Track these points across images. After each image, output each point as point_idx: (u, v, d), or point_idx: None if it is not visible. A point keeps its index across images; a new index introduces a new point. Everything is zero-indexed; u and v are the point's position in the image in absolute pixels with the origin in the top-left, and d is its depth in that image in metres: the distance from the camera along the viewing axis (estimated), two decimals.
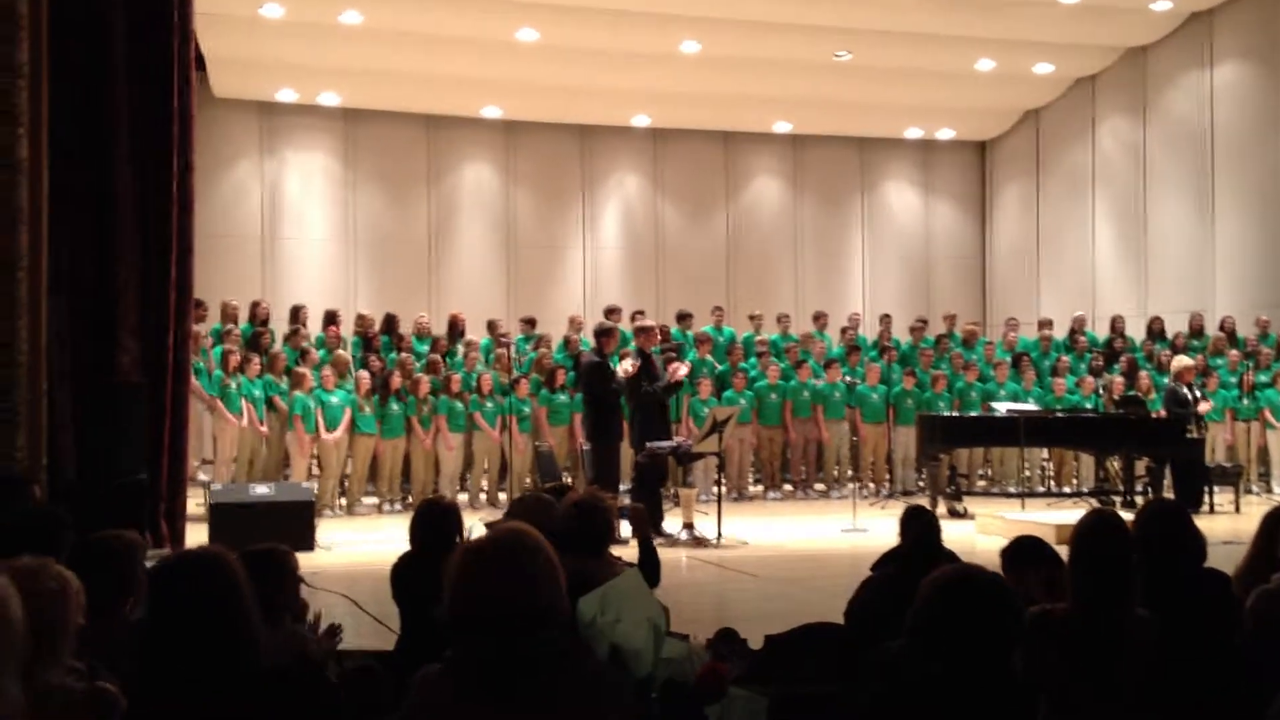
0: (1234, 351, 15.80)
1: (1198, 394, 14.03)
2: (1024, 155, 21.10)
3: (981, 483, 15.80)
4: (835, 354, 16.25)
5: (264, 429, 13.51)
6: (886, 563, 5.36)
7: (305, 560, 5.01)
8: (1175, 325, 16.86)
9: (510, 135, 19.70)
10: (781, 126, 20.49)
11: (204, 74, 16.32)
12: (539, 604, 2.45)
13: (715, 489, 12.30)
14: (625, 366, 11.60)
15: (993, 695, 2.72)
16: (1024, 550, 4.62)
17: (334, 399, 13.53)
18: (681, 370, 12.10)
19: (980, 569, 2.96)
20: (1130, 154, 19.24)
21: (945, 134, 21.33)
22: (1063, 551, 4.03)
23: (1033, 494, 14.57)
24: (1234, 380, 15.34)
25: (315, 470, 13.74)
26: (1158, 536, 4.11)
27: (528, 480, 14.68)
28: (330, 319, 15.28)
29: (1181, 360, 14.55)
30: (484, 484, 14.78)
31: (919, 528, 5.40)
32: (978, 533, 11.79)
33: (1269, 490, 15.02)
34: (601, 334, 12.09)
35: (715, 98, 18.96)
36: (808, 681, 4.26)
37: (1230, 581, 4.32)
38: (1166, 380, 14.57)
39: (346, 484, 14.12)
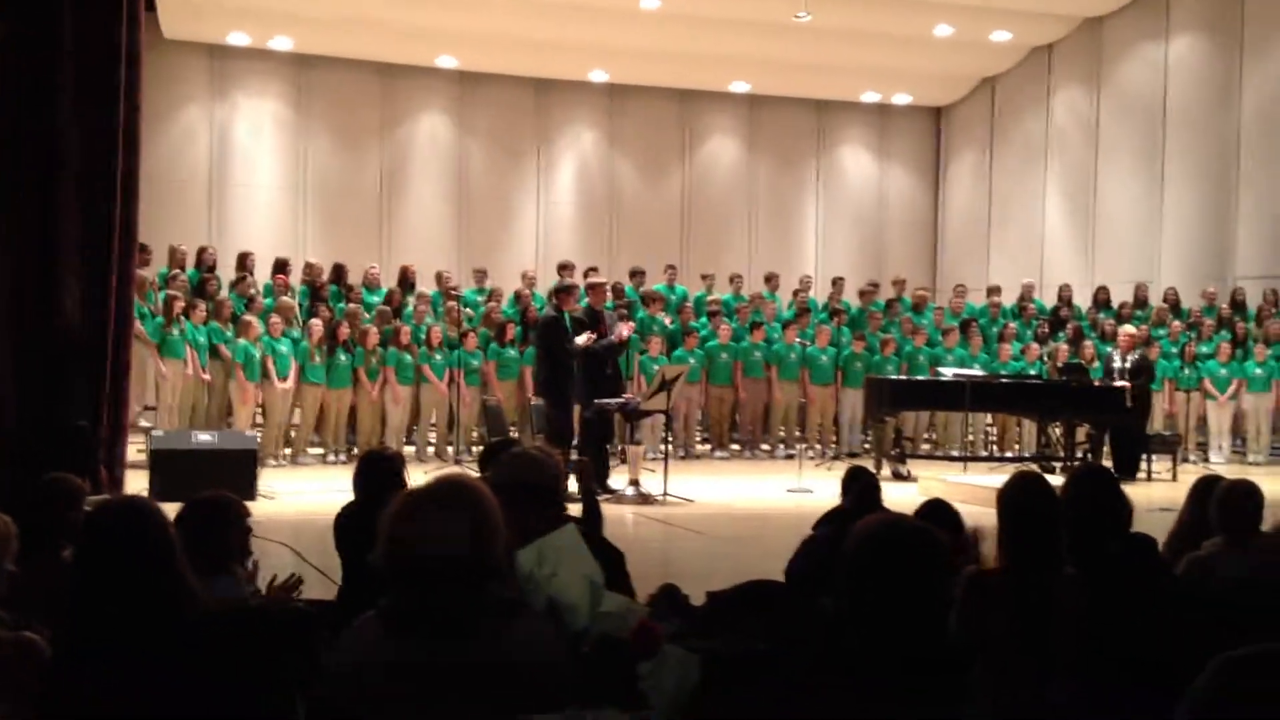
0: (1176, 322, 16.01)
1: (1125, 366, 14.09)
2: (979, 123, 21.18)
3: (926, 446, 15.96)
4: (786, 316, 16.30)
5: (207, 376, 13.38)
6: (828, 522, 5.41)
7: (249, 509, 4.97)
8: (1121, 295, 17.05)
9: (465, 87, 19.51)
10: (739, 86, 20.43)
11: (153, 14, 16.00)
12: (474, 553, 2.43)
13: (662, 447, 12.34)
14: (584, 339, 11.56)
15: (927, 652, 2.74)
16: (934, 514, 4.71)
17: (282, 347, 13.41)
18: (624, 331, 12.09)
19: (905, 516, 2.98)
20: (1083, 124, 19.37)
21: (902, 99, 21.35)
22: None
23: (975, 458, 14.74)
24: (1175, 350, 15.55)
25: (259, 419, 13.63)
26: (1085, 500, 4.17)
27: (475, 434, 14.66)
28: (279, 267, 15.13)
29: (1124, 329, 14.70)
30: (431, 437, 14.74)
31: (860, 488, 5.45)
32: (920, 495, 11.89)
33: (1206, 459, 15.28)
34: (560, 290, 12.04)
35: (673, 55, 18.86)
36: (746, 638, 4.29)
37: (1156, 545, 4.41)
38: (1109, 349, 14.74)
39: (292, 434, 14.03)
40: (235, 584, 4.09)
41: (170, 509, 3.35)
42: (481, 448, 14.36)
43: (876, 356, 15.58)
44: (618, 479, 11.53)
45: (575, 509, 5.44)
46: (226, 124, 18.61)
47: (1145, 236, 18.24)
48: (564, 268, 16.41)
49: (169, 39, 17.41)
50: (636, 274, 16.70)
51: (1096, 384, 14.21)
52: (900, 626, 2.69)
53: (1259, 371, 15.15)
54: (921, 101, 21.63)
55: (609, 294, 13.06)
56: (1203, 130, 17.51)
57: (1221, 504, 4.64)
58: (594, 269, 16.57)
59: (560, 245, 19.16)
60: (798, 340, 15.49)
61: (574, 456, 10.53)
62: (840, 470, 5.88)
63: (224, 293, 14.29)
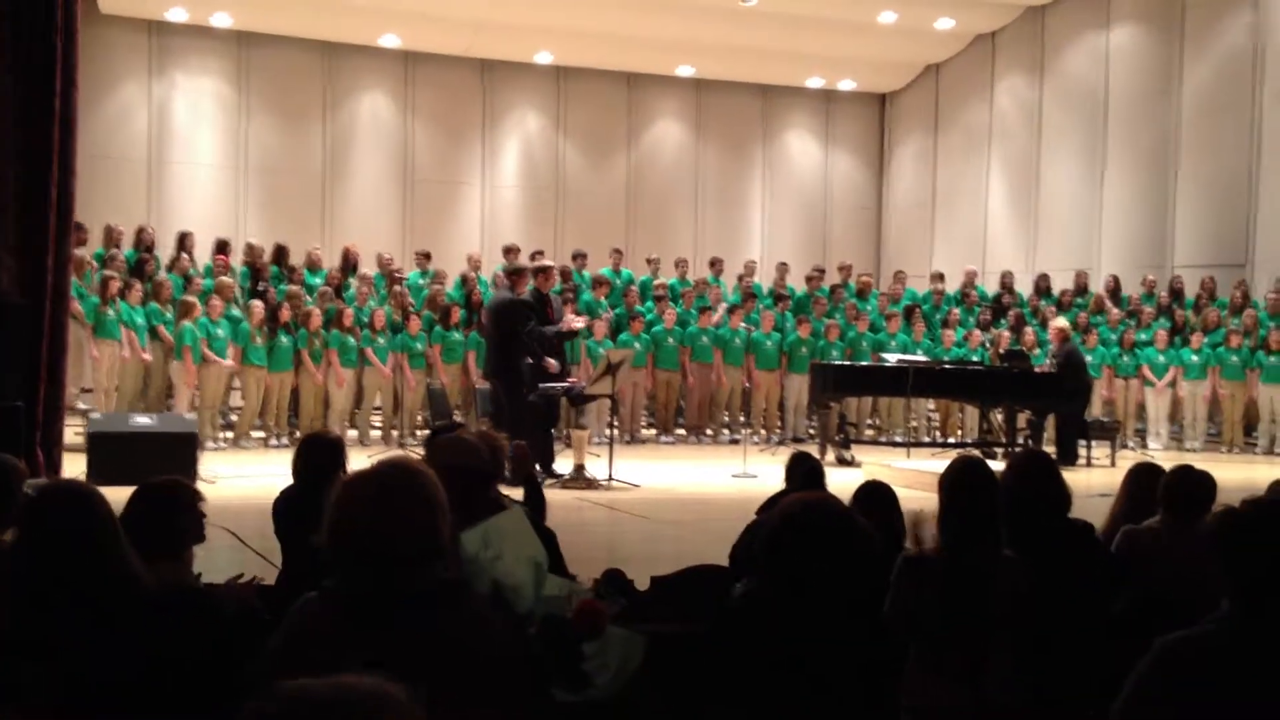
0: (1115, 310, 16.22)
1: (1055, 359, 14.16)
2: (923, 110, 21.31)
3: (869, 432, 16.07)
4: (731, 300, 16.33)
5: (147, 357, 13.19)
6: (771, 506, 5.41)
7: None
8: (1063, 282, 17.25)
9: (410, 66, 19.34)
10: (685, 70, 20.41)
11: None
12: (418, 537, 2.42)
13: (608, 431, 12.33)
14: (572, 324, 11.48)
15: (851, 636, 2.75)
16: (871, 495, 4.72)
17: (219, 330, 13.24)
18: (576, 323, 12.04)
19: (825, 496, 2.99)
20: (1026, 112, 19.55)
21: (846, 85, 21.43)
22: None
23: (918, 444, 14.85)
24: (1114, 337, 15.75)
25: (198, 402, 13.47)
26: (1025, 484, 4.21)
27: (419, 418, 14.58)
28: (220, 248, 14.94)
29: (1054, 323, 14.77)
30: (375, 420, 14.64)
31: (804, 473, 5.47)
32: (865, 480, 11.97)
33: (1144, 445, 15.50)
34: (513, 273, 11.89)
35: (619, 38, 18.81)
36: (689, 622, 4.30)
37: (1094, 530, 4.46)
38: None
39: (234, 417, 13.87)
40: (184, 570, 4.04)
41: (111, 493, 3.31)
42: (426, 431, 14.31)
43: (821, 342, 15.66)
44: (563, 464, 11.50)
45: (517, 494, 5.42)
46: (165, 101, 18.31)
47: (1086, 224, 18.45)
48: (509, 251, 16.32)
49: (106, 14, 17.11)
50: (579, 256, 16.65)
51: (1037, 370, 14.37)
52: (815, 603, 2.69)
53: (1196, 359, 15.38)
54: (866, 88, 21.72)
55: (557, 278, 12.97)
56: (1143, 119, 17.72)
57: (1169, 486, 4.69)
58: (540, 252, 16.52)
59: (505, 228, 19.06)
60: (742, 325, 15.52)
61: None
62: (785, 455, 5.90)
63: (162, 273, 14.09)
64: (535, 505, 4.90)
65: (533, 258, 16.21)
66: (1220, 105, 16.68)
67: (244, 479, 10.89)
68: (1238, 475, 10.96)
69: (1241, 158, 16.37)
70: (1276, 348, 14.88)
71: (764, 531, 2.81)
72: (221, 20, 17.89)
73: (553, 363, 11.33)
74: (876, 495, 4.73)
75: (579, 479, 11.05)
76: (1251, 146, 16.26)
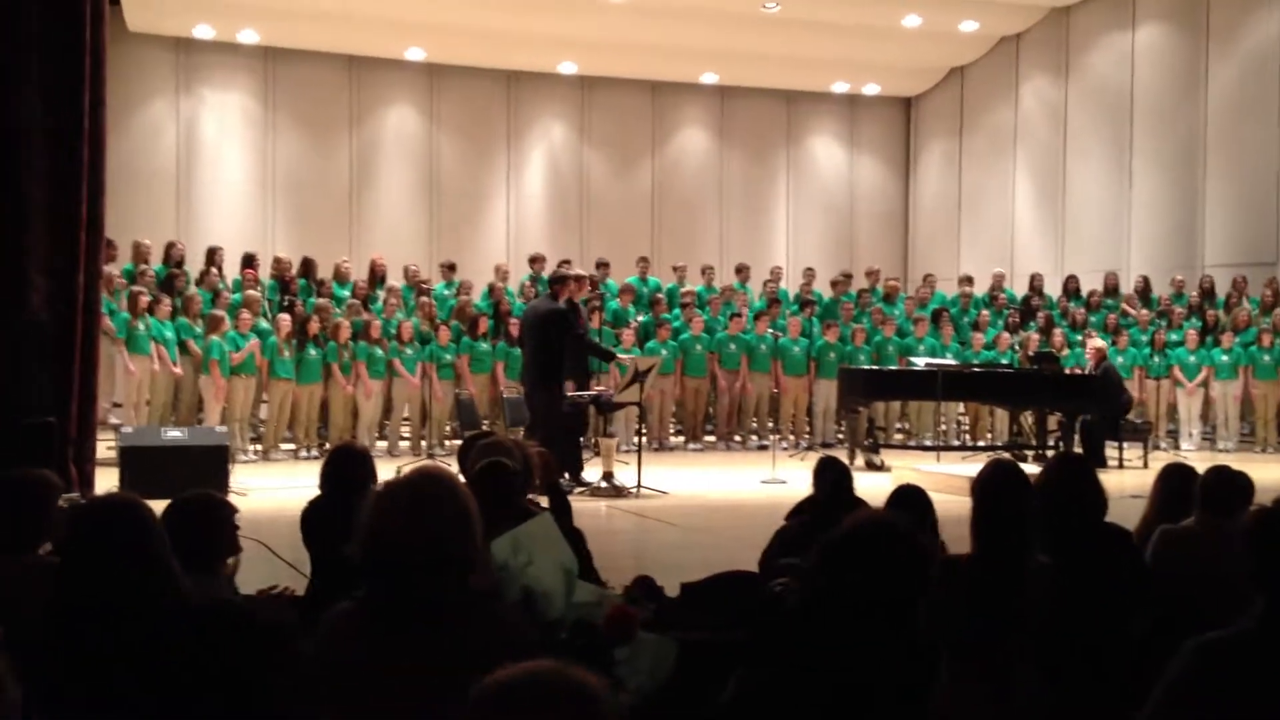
0: (1144, 311, 16.11)
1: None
2: (948, 113, 21.25)
3: (899, 436, 16.01)
4: (758, 306, 16.32)
5: (178, 370, 13.29)
6: (800, 512, 5.40)
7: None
8: (1091, 284, 17.15)
9: (434, 79, 19.43)
10: (709, 78, 20.42)
11: (117, 8, 15.87)
12: (450, 545, 2.43)
13: (636, 439, 12.32)
14: (638, 363, 11.52)
15: (895, 654, 2.74)
16: (906, 499, 4.69)
17: (247, 342, 13.33)
18: (624, 357, 12.03)
19: (895, 517, 2.98)
20: (1051, 114, 19.45)
21: (871, 89, 21.39)
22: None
23: (948, 447, 14.79)
24: (1145, 339, 15.65)
25: (228, 415, 13.55)
26: (1061, 488, 4.18)
27: (448, 428, 14.62)
28: (248, 261, 15.03)
29: (1092, 343, 14.61)
30: (404, 431, 14.69)
31: (832, 478, 5.45)
32: (894, 485, 11.92)
33: (1176, 447, 15.38)
34: (557, 281, 11.82)
35: (643, 47, 18.83)
36: (720, 629, 4.29)
37: (1129, 536, 4.42)
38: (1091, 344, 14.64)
39: (262, 430, 13.95)
40: (222, 584, 4.07)
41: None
42: (454, 442, 14.35)
43: (848, 347, 15.62)
44: (592, 472, 11.50)
45: (543, 503, 5.43)
46: (193, 118, 18.46)
47: (1114, 225, 18.34)
48: (535, 260, 16.37)
49: (134, 32, 17.26)
50: (602, 265, 16.66)
51: (1067, 373, 14.28)
52: (870, 623, 2.69)
53: (1226, 359, 15.26)
54: (891, 92, 21.67)
55: (587, 287, 12.93)
56: (1170, 119, 17.61)
57: (1205, 485, 4.64)
58: (566, 261, 16.54)
59: (531, 238, 19.11)
60: (769, 331, 15.50)
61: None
62: (814, 461, 5.88)
63: (192, 289, 14.20)
64: (561, 513, 4.90)
65: (559, 267, 16.25)
66: (1247, 103, 16.55)
67: (274, 490, 10.94)
68: (1274, 475, 10.85)
69: (1269, 155, 16.24)
70: None
71: (826, 544, 2.80)
72: (248, 37, 18.04)
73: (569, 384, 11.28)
74: (911, 499, 4.70)
75: (608, 487, 11.05)
76: (1279, 145, 16.14)
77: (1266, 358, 15.03)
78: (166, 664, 2.75)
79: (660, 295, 16.19)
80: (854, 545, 2.73)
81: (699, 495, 11.44)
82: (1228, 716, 2.54)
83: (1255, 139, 16.43)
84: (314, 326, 13.76)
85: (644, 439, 12.41)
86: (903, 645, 2.77)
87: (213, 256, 14.94)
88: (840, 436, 15.19)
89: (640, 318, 15.65)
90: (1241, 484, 4.64)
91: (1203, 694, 2.58)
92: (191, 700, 2.75)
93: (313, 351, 13.71)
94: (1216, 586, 4.05)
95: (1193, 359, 15.43)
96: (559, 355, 11.11)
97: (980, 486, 3.85)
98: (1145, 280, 16.81)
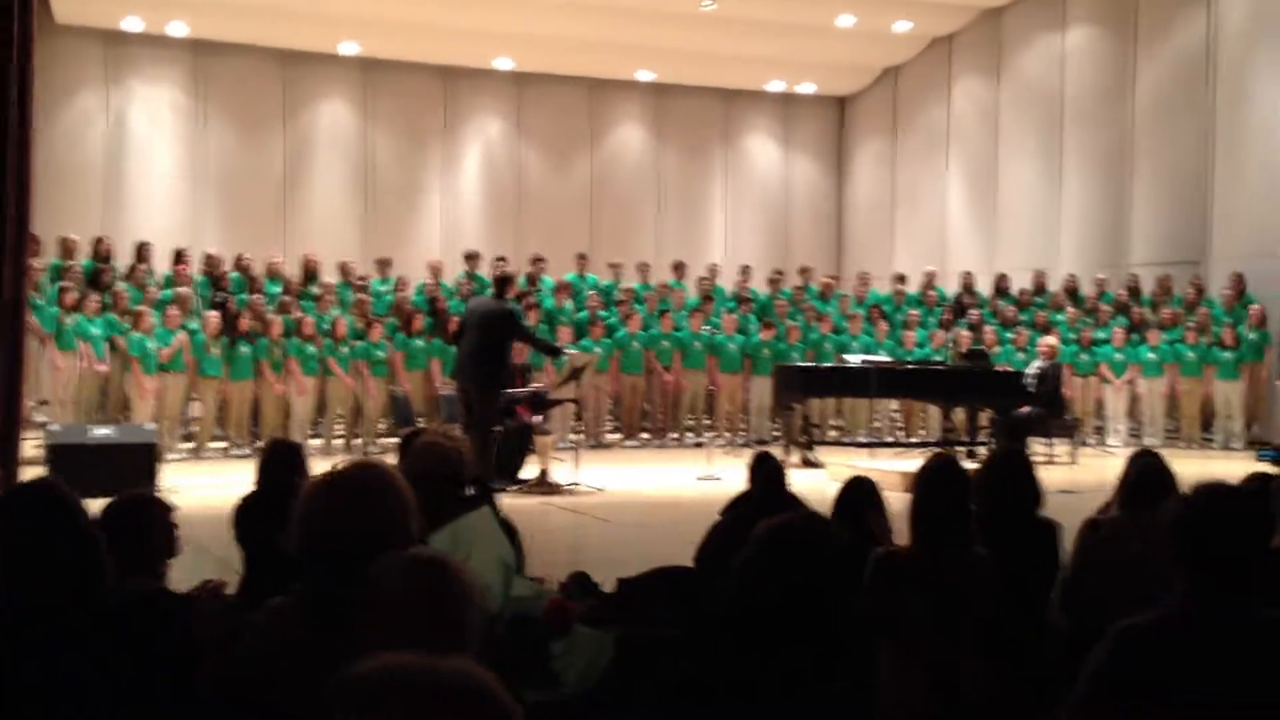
0: (1072, 309, 16.36)
1: (1039, 370, 14.27)
2: (882, 112, 21.43)
3: (833, 432, 16.13)
4: (692, 304, 16.37)
5: (105, 368, 13.07)
6: (735, 507, 5.43)
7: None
8: (1022, 282, 17.39)
9: (369, 74, 19.26)
10: (645, 75, 20.44)
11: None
12: (387, 535, 2.42)
13: (572, 436, 12.32)
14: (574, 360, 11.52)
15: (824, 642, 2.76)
16: (856, 491, 4.72)
17: (174, 339, 13.16)
18: (570, 350, 12.02)
19: (802, 516, 3.00)
20: (983, 114, 19.69)
21: (806, 88, 21.53)
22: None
23: (882, 444, 14.93)
24: (1073, 336, 15.89)
25: (156, 412, 13.36)
26: (999, 482, 4.23)
27: (381, 425, 14.52)
28: (179, 257, 14.83)
29: (1043, 340, 14.82)
30: (337, 429, 14.56)
31: (766, 473, 5.48)
32: (830, 480, 12.02)
33: (1104, 443, 15.64)
34: (503, 280, 11.78)
35: (579, 43, 18.80)
36: (657, 624, 4.30)
37: (1059, 530, 4.49)
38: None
39: (195, 428, 13.77)
40: (158, 585, 4.01)
41: None
42: (389, 439, 14.26)
43: (783, 344, 15.71)
44: (529, 469, 11.48)
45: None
46: (122, 111, 18.15)
47: (1044, 224, 18.60)
48: (470, 257, 16.32)
49: (61, 24, 16.94)
50: (538, 261, 16.61)
51: (998, 369, 14.47)
52: (791, 620, 2.71)
53: (1153, 356, 15.54)
54: (826, 91, 21.82)
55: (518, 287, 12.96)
56: (1099, 120, 17.89)
57: (1128, 477, 4.69)
58: (502, 258, 16.51)
59: (466, 234, 19.02)
60: (705, 328, 15.56)
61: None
62: (749, 457, 5.91)
63: (119, 284, 13.98)
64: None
65: (495, 263, 16.22)
66: (1175, 105, 16.86)
67: (204, 489, 10.79)
68: (1196, 470, 11.07)
69: (1196, 156, 16.55)
70: (1231, 344, 15.06)
71: (747, 551, 2.82)
72: (178, 29, 17.76)
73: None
74: (861, 490, 4.72)
75: (544, 484, 11.04)
76: (1206, 145, 16.44)
77: (1191, 355, 15.32)
78: (100, 654, 2.71)
79: (594, 292, 16.20)
80: (765, 551, 2.75)
81: (635, 492, 11.46)
82: (1149, 698, 2.60)
83: (1181, 140, 16.74)
84: (245, 323, 13.60)
85: (580, 436, 12.42)
86: (830, 634, 2.79)
87: (141, 252, 14.72)
88: (776, 433, 15.27)
89: (577, 314, 15.64)
90: (1165, 475, 4.71)
91: (1125, 677, 2.64)
92: (126, 691, 2.71)
93: (244, 348, 13.56)
94: (1140, 575, 4.13)
95: (1119, 356, 15.69)
96: (503, 356, 11.11)
97: (921, 481, 3.89)
98: (1074, 279, 17.07)
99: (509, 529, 4.14)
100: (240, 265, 15.25)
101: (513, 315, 11.34)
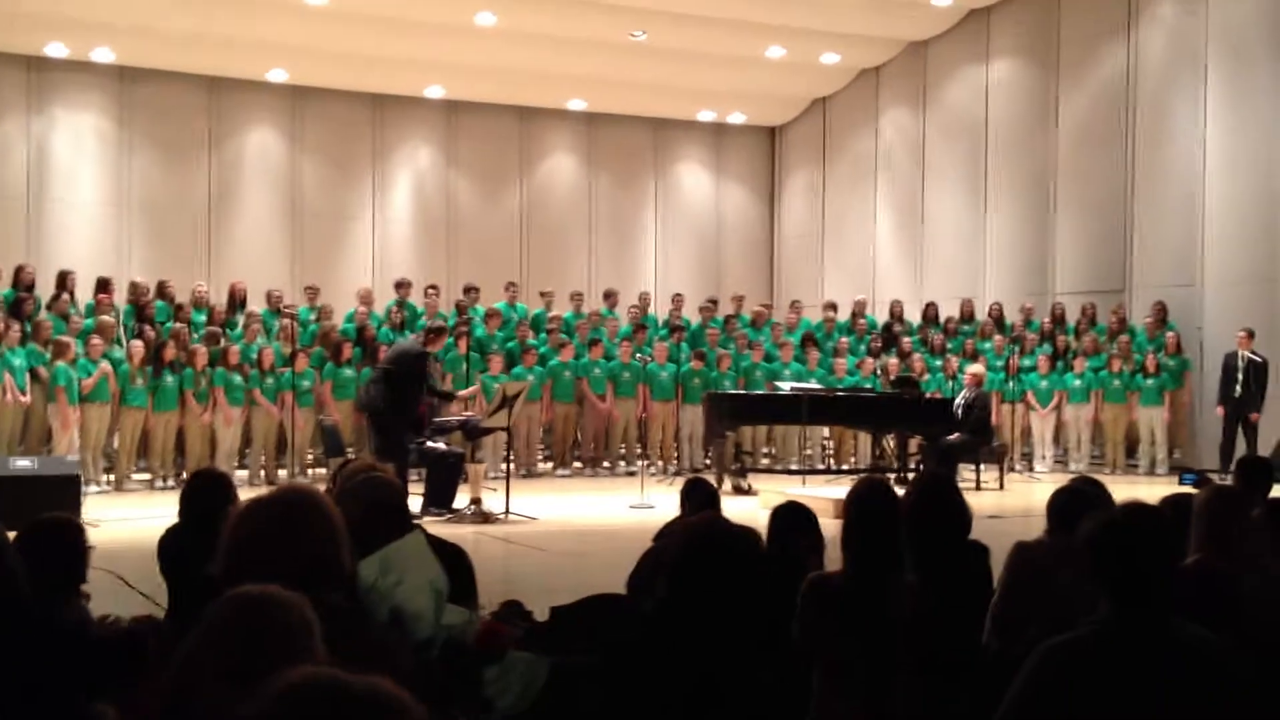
0: (999, 336, 16.60)
1: (965, 401, 14.45)
2: (812, 142, 21.66)
3: (765, 460, 16.18)
4: (624, 332, 16.39)
5: (26, 399, 12.79)
6: (667, 534, 5.41)
7: None
8: (949, 310, 17.61)
9: (298, 101, 19.11)
10: (577, 104, 20.49)
11: None
12: (315, 562, 2.38)
13: (504, 465, 12.26)
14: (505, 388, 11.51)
15: (750, 649, 2.76)
16: (789, 515, 4.71)
17: (97, 369, 12.92)
18: (512, 387, 11.99)
19: (719, 517, 3.01)
20: (910, 144, 19.96)
21: (737, 118, 21.70)
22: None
23: (813, 471, 15.01)
24: (1000, 364, 16.11)
25: (78, 444, 13.10)
26: (926, 507, 4.26)
27: (309, 456, 14.35)
28: (102, 286, 14.59)
29: (969, 369, 15.01)
30: (264, 459, 14.37)
31: (699, 498, 5.48)
32: (761, 508, 12.05)
33: (1031, 469, 15.85)
34: (434, 331, 11.89)
35: (510, 72, 18.82)
36: (589, 652, 4.28)
37: (989, 553, 4.53)
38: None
39: (114, 459, 13.52)
40: (79, 612, 3.92)
41: None
42: (319, 469, 14.10)
43: (714, 372, 15.76)
44: (460, 498, 11.40)
45: None
46: (44, 138, 17.84)
47: (971, 253, 18.88)
48: (400, 285, 16.22)
49: None
50: (470, 290, 16.55)
51: (928, 397, 14.63)
52: (719, 624, 2.70)
53: (1079, 383, 15.78)
54: (756, 121, 22.02)
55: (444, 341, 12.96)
56: (1023, 151, 18.21)
57: (1054, 502, 4.76)
58: (433, 287, 16.43)
59: (397, 262, 18.90)
60: (637, 357, 15.58)
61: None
62: (681, 485, 5.91)
63: (42, 313, 13.71)
64: None
65: (426, 293, 16.15)
66: (1096, 136, 17.21)
67: (128, 521, 10.60)
68: (1120, 495, 11.23)
69: (1117, 187, 16.90)
70: (1154, 371, 15.34)
71: (668, 556, 2.82)
72: (103, 55, 17.52)
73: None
74: (793, 515, 4.72)
75: (475, 513, 10.96)
76: (1127, 176, 16.80)
77: (1116, 382, 15.59)
78: (22, 685, 2.64)
79: (526, 321, 16.17)
80: (693, 547, 2.75)
81: (568, 521, 11.41)
82: (1073, 715, 2.64)
83: (1103, 171, 17.09)
84: (170, 353, 13.40)
85: (512, 465, 12.35)
86: (769, 655, 2.79)
87: (64, 280, 14.45)
88: (708, 461, 15.30)
89: (508, 343, 15.59)
90: (1090, 499, 4.78)
91: (1048, 696, 2.68)
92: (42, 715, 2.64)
93: (169, 378, 13.35)
94: (1067, 597, 4.18)
95: (1045, 384, 15.92)
96: (398, 392, 11.13)
97: (851, 504, 3.91)
98: (999, 307, 17.32)
99: (458, 555, 4.11)
100: (165, 294, 15.03)
101: (421, 358, 11.43)
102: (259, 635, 2.02)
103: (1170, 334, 15.52)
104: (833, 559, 4.30)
